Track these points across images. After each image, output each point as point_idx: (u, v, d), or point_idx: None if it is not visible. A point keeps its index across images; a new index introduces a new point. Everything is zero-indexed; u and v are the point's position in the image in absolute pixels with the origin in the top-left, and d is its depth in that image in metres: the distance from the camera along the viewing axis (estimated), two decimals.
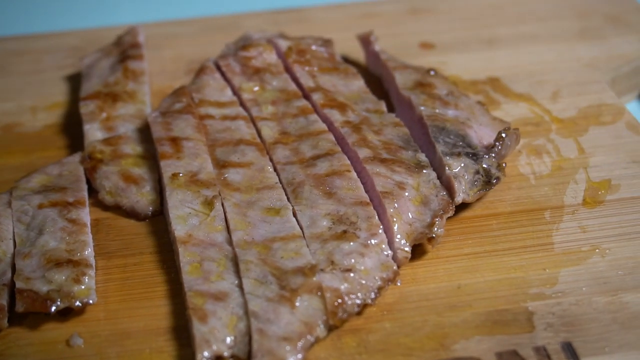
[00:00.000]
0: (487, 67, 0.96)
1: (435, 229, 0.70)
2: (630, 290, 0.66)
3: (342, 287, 0.65)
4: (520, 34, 1.02)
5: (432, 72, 0.87)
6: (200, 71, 0.91)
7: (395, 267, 0.67)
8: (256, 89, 0.86)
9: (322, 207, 0.71)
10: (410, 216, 0.71)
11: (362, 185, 0.73)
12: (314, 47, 0.91)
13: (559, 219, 0.74)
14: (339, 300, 0.64)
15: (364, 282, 0.66)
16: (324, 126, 0.80)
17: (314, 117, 0.81)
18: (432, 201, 0.72)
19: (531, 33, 1.02)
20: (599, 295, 0.66)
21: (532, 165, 0.80)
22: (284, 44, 0.90)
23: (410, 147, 0.77)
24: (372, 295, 0.65)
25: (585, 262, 0.69)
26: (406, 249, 0.69)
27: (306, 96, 0.84)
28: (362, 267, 0.66)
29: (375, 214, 0.70)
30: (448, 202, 0.72)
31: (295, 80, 0.87)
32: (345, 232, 0.69)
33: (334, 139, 0.78)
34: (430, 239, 0.69)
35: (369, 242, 0.68)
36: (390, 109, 0.87)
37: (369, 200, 0.71)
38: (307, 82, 0.85)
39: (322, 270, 0.66)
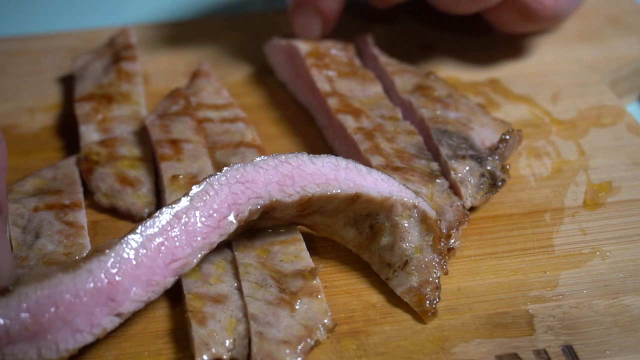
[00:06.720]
0: (486, 68, 0.96)
1: (452, 241, 0.69)
2: (631, 293, 0.66)
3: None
4: (520, 35, 1.01)
5: (432, 77, 0.87)
6: (196, 75, 0.90)
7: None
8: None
9: None
10: None
11: None
12: (333, 51, 0.90)
13: (559, 222, 0.74)
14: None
15: None
16: None
17: None
18: (446, 212, 0.71)
19: (531, 34, 1.02)
20: (600, 298, 0.66)
21: (532, 167, 0.80)
22: (304, 48, 0.90)
23: (424, 155, 0.76)
24: None
25: (586, 264, 0.69)
26: None
27: (322, 101, 0.83)
28: None
29: None
30: (463, 212, 0.70)
31: (312, 84, 0.86)
32: None
33: None
34: (449, 250, 0.68)
35: None
36: None
37: None
38: (324, 86, 0.84)
39: None
